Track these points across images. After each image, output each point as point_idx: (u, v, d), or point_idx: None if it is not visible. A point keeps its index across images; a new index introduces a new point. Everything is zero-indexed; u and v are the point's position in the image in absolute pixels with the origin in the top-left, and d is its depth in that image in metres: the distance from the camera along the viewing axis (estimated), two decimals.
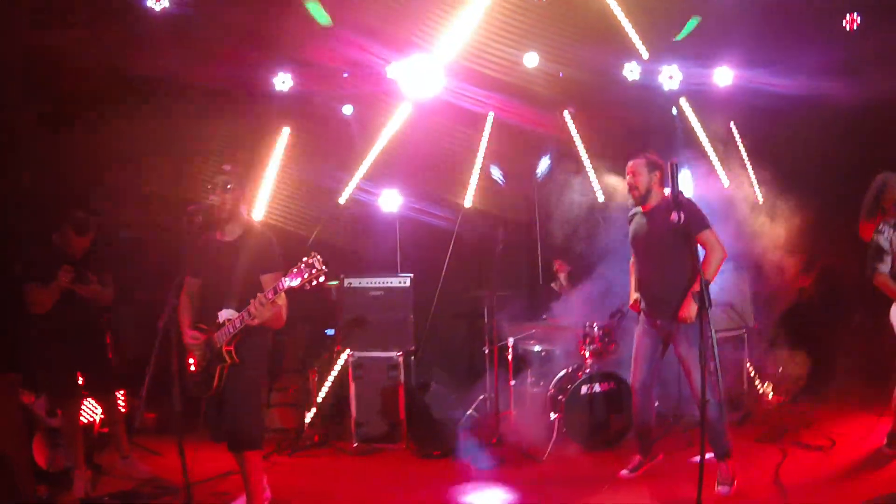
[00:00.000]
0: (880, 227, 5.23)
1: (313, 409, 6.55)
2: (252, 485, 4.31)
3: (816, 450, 5.51)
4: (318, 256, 3.83)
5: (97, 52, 6.31)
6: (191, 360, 4.30)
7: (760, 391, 7.24)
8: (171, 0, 6.42)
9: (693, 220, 4.56)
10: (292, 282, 3.83)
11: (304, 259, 3.84)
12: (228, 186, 4.22)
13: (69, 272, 4.97)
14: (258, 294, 3.96)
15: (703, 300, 3.97)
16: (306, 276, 3.81)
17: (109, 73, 6.50)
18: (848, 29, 7.24)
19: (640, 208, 5.00)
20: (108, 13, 6.38)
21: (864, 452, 5.36)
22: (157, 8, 6.42)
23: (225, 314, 4.13)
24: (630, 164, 4.93)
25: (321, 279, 3.83)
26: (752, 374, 7.20)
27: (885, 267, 5.16)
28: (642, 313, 5.04)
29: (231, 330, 4.08)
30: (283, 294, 3.96)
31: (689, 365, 4.64)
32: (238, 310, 4.09)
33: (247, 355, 4.17)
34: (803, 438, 5.78)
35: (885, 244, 5.18)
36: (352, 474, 5.73)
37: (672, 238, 4.63)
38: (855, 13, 7.18)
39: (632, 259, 5.23)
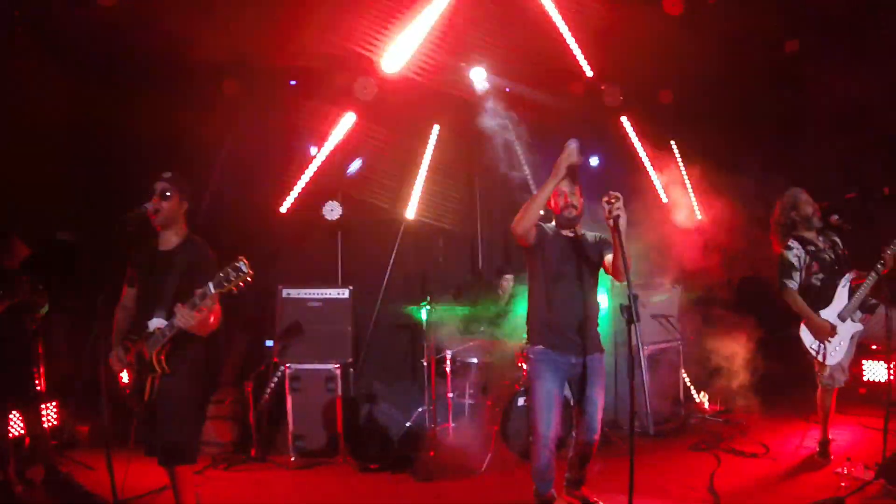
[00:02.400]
0: (790, 244, 5.28)
1: (250, 422, 6.39)
2: (184, 501, 4.16)
3: (750, 456, 5.69)
4: (245, 260, 3.72)
5: None
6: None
7: (697, 400, 7.43)
8: None
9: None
10: (218, 286, 3.74)
11: (231, 263, 3.74)
12: (167, 194, 4.10)
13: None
14: (178, 303, 3.83)
15: (632, 314, 3.77)
16: (232, 278, 3.72)
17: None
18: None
19: (556, 227, 4.61)
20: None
21: (797, 459, 5.56)
22: None
23: (155, 323, 3.98)
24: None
25: (248, 280, 3.73)
26: (687, 385, 7.37)
27: (793, 283, 5.19)
28: (549, 351, 4.39)
29: (160, 338, 3.95)
30: (210, 301, 3.82)
31: (600, 404, 4.38)
32: (169, 319, 3.96)
33: (178, 365, 4.01)
34: (737, 445, 5.95)
35: (794, 260, 5.22)
36: (289, 489, 5.62)
37: (595, 263, 4.46)
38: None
39: None
